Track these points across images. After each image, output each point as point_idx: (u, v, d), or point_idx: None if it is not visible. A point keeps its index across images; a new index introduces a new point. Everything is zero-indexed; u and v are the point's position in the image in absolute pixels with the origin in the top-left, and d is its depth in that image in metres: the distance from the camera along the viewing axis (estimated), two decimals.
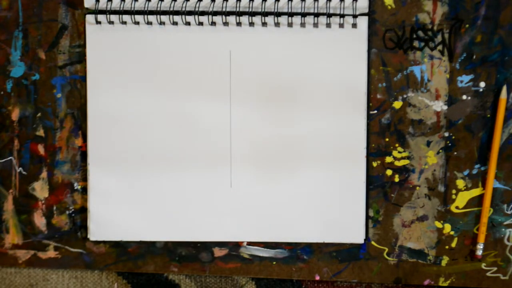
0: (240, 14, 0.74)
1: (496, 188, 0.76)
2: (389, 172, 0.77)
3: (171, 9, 0.75)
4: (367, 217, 0.77)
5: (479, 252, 0.76)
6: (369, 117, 0.76)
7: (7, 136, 0.78)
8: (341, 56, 0.75)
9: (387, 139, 0.76)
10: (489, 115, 0.76)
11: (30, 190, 0.78)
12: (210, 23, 0.75)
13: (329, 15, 0.74)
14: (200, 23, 0.75)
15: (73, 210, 0.78)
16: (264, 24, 0.75)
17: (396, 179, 0.77)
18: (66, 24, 0.77)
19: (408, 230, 0.77)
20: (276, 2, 0.74)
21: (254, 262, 0.78)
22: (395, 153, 0.76)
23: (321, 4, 0.74)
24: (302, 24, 0.75)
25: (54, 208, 0.78)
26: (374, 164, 0.76)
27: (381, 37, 0.76)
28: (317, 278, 0.78)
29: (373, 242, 0.77)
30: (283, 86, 0.76)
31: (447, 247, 0.77)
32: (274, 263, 0.78)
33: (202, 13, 0.75)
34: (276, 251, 0.78)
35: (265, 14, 0.74)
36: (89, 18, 0.76)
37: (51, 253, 0.79)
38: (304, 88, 0.75)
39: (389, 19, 0.75)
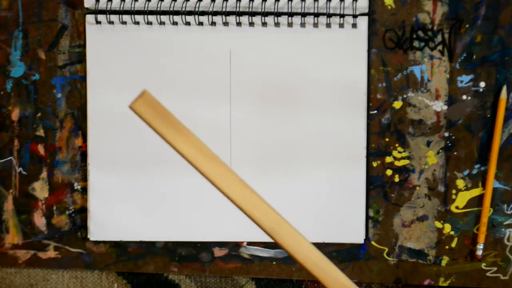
0: (240, 14, 0.74)
1: (496, 188, 0.76)
2: (389, 172, 0.76)
3: (171, 9, 0.75)
4: (367, 217, 0.77)
5: (479, 252, 0.76)
6: (369, 117, 0.76)
7: (7, 136, 0.78)
8: (341, 56, 0.75)
9: (387, 139, 0.76)
10: (489, 115, 0.76)
11: (30, 190, 0.78)
12: (210, 23, 0.75)
13: (329, 15, 0.74)
14: (200, 23, 0.75)
15: (73, 210, 0.78)
16: (264, 24, 0.75)
17: (396, 179, 0.77)
18: (66, 24, 0.77)
19: (408, 230, 0.77)
20: (276, 2, 0.74)
21: (254, 262, 0.78)
22: (395, 153, 0.76)
23: (321, 4, 0.74)
24: (302, 24, 0.75)
25: (54, 208, 0.78)
26: (374, 164, 0.76)
27: (381, 37, 0.76)
28: None
29: (373, 242, 0.77)
30: (283, 86, 0.76)
31: (447, 247, 0.77)
32: (274, 263, 0.78)
33: (202, 13, 0.75)
34: (276, 251, 0.78)
35: (265, 14, 0.74)
36: (89, 18, 0.76)
37: (51, 253, 0.79)
38: (304, 88, 0.75)
39: (389, 19, 0.75)
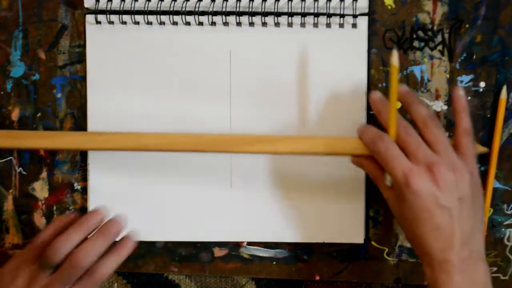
0: (240, 14, 0.74)
1: (496, 188, 0.76)
2: None
3: (171, 9, 0.75)
4: (367, 217, 0.77)
5: None
6: (369, 117, 0.76)
7: None
8: (341, 56, 0.75)
9: None
10: (489, 115, 0.76)
11: (30, 190, 0.78)
12: (210, 23, 0.75)
13: (329, 15, 0.74)
14: (200, 23, 0.75)
15: (73, 210, 0.78)
16: (264, 24, 0.75)
17: None
18: (66, 24, 0.77)
19: None
20: (276, 2, 0.74)
21: (254, 262, 0.78)
22: None
23: (321, 4, 0.74)
24: (302, 24, 0.75)
25: (54, 208, 0.78)
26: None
27: (381, 37, 0.75)
28: (317, 278, 0.78)
29: (373, 242, 0.77)
30: (283, 86, 0.76)
31: None
32: (274, 263, 0.78)
33: (202, 13, 0.75)
34: (276, 251, 0.78)
35: (265, 14, 0.74)
36: (89, 18, 0.76)
37: None
38: (304, 88, 0.75)
39: (389, 19, 0.75)
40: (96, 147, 0.73)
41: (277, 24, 0.75)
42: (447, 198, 0.64)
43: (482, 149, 0.71)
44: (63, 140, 0.73)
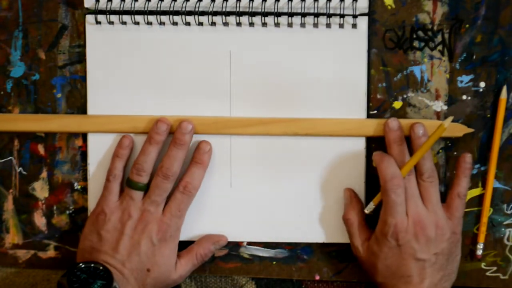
0: (240, 14, 0.74)
1: (496, 188, 0.76)
2: None
3: (171, 9, 0.75)
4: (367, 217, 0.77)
5: (479, 252, 0.76)
6: (369, 117, 0.76)
7: (7, 136, 0.78)
8: (341, 56, 0.75)
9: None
10: (489, 115, 0.76)
11: (30, 190, 0.78)
12: (210, 23, 0.75)
13: (329, 15, 0.74)
14: (200, 23, 0.75)
15: (73, 210, 0.78)
16: (264, 24, 0.75)
17: None
18: (66, 24, 0.77)
19: None
20: (276, 2, 0.74)
21: (254, 262, 0.78)
22: None
23: (321, 4, 0.74)
24: (302, 24, 0.74)
25: (54, 208, 0.78)
26: (374, 164, 0.76)
27: (381, 37, 0.75)
28: (317, 278, 0.78)
29: None
30: (283, 86, 0.76)
31: None
32: (274, 263, 0.78)
33: (202, 13, 0.75)
34: (276, 251, 0.78)
35: (265, 14, 0.74)
36: (89, 18, 0.76)
37: (51, 253, 0.79)
38: (304, 88, 0.75)
39: (389, 19, 0.75)
40: (94, 129, 0.76)
41: (277, 24, 0.75)
42: (423, 251, 0.70)
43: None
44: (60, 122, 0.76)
